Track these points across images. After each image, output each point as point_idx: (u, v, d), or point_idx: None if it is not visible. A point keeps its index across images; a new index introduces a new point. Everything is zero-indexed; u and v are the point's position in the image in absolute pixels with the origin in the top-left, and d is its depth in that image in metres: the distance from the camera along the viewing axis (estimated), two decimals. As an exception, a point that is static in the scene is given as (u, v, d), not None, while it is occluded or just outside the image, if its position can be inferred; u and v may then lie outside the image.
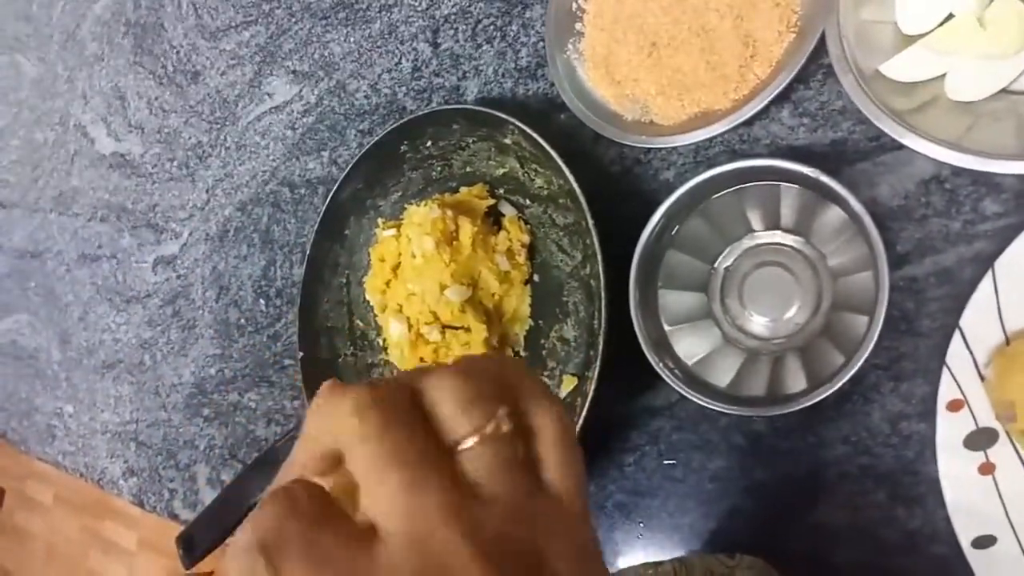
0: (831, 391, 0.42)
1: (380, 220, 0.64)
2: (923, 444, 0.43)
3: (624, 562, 0.52)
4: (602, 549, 0.22)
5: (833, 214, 0.45)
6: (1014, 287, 0.40)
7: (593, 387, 0.49)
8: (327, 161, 0.73)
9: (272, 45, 0.77)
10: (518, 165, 0.58)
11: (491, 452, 0.22)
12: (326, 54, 0.73)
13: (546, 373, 0.57)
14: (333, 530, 0.21)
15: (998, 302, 0.41)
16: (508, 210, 0.59)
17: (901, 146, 0.42)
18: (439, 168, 0.62)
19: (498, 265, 0.57)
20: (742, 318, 0.49)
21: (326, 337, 0.66)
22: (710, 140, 0.50)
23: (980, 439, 0.41)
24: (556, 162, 0.51)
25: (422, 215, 0.57)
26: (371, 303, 0.64)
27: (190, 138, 0.85)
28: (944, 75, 0.43)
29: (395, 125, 0.60)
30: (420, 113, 0.59)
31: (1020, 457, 0.40)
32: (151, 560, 2.01)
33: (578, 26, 0.56)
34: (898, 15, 0.44)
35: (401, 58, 0.68)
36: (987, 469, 0.41)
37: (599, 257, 0.49)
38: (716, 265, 0.50)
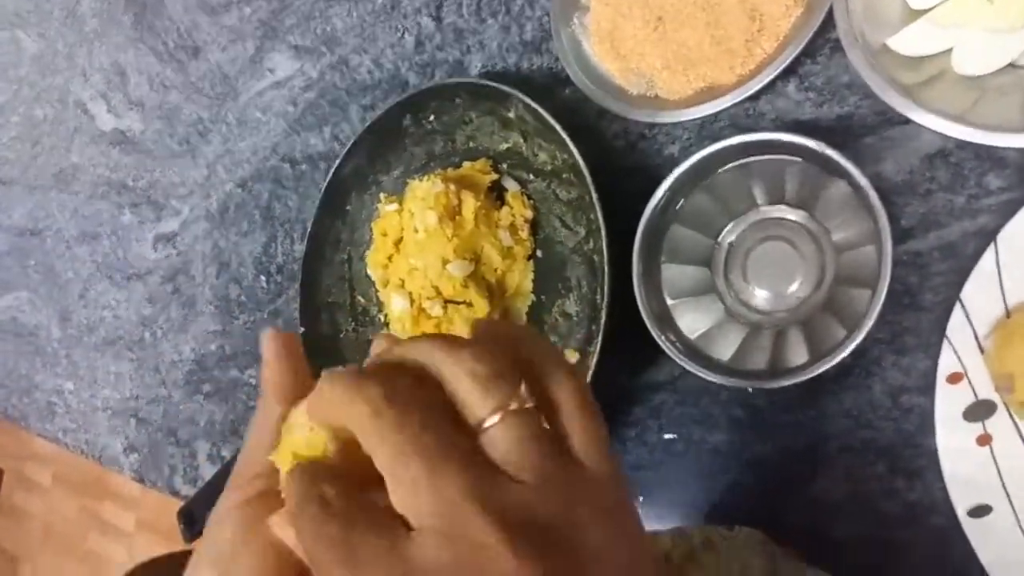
0: (832, 364, 0.42)
1: (382, 195, 0.64)
2: (923, 417, 0.43)
3: (624, 535, 0.53)
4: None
5: (838, 188, 0.45)
6: (1016, 261, 0.41)
7: (595, 362, 0.49)
8: (329, 137, 0.72)
9: (274, 20, 0.77)
10: (522, 140, 0.58)
11: (515, 429, 0.21)
12: (328, 29, 0.73)
13: (548, 348, 0.57)
14: (366, 527, 0.21)
15: (1000, 276, 0.41)
16: (511, 185, 0.59)
17: (907, 120, 0.42)
18: (442, 143, 0.62)
19: (501, 240, 0.57)
20: (745, 292, 0.49)
21: (327, 313, 0.66)
22: (715, 115, 0.50)
23: (979, 411, 0.41)
24: (560, 136, 0.51)
25: (425, 189, 0.57)
26: (373, 278, 0.64)
27: (191, 114, 0.84)
28: (951, 49, 0.43)
29: (398, 100, 0.60)
30: (423, 87, 0.59)
31: (1017, 428, 0.41)
32: (150, 540, 2.02)
33: (583, 0, 0.56)
34: (905, -11, 0.44)
35: (404, 33, 0.67)
36: (985, 440, 0.41)
37: (603, 231, 0.49)
38: (720, 239, 0.50)
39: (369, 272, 0.64)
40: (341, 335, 0.66)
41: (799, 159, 0.46)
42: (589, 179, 0.50)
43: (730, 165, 0.48)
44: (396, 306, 0.60)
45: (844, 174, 0.43)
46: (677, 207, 0.50)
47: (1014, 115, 0.41)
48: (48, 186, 1.02)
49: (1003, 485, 0.41)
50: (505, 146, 0.59)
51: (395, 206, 0.61)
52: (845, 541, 0.45)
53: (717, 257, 0.50)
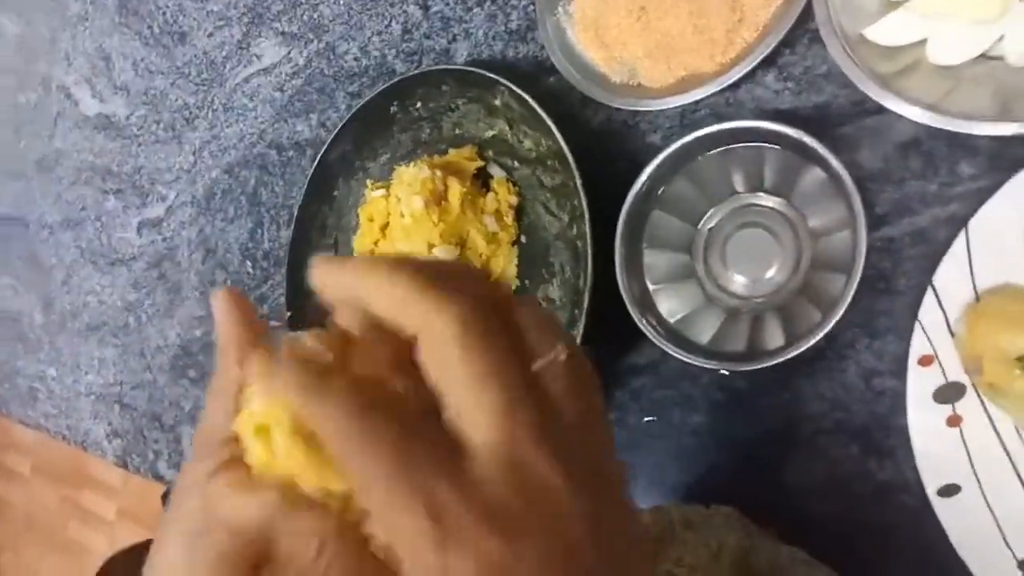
0: (807, 347, 0.43)
1: (369, 181, 0.64)
2: (895, 399, 0.45)
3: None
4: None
5: (815, 176, 0.46)
6: (986, 247, 0.42)
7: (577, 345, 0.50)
8: (315, 123, 0.73)
9: (260, 6, 0.77)
10: (507, 127, 0.59)
11: (565, 374, 0.22)
12: (315, 16, 0.73)
13: (531, 333, 0.58)
14: (425, 437, 0.21)
15: (970, 261, 0.42)
16: (497, 172, 0.60)
17: (883, 110, 0.43)
18: (428, 130, 0.63)
19: (486, 226, 0.58)
20: (724, 277, 0.50)
21: (314, 298, 0.66)
22: (696, 103, 0.51)
23: (949, 392, 0.42)
24: (546, 123, 0.52)
25: (412, 175, 0.57)
26: (359, 264, 0.64)
27: (176, 100, 0.84)
28: (926, 40, 0.44)
29: (385, 87, 0.60)
30: (410, 74, 0.59)
31: (986, 409, 0.42)
32: (131, 529, 2.01)
33: (569, -11, 0.56)
34: (883, -19, 0.45)
35: (391, 20, 0.68)
36: (954, 421, 0.42)
37: (587, 217, 0.50)
38: (700, 225, 0.51)
39: (355, 257, 0.64)
40: (328, 320, 0.66)
41: (777, 147, 0.47)
42: (573, 166, 0.50)
43: (710, 152, 0.49)
44: (381, 291, 0.60)
45: (821, 162, 0.44)
46: (659, 194, 0.50)
47: (986, 104, 0.42)
48: (31, 172, 1.01)
49: (971, 465, 0.42)
50: (491, 133, 0.60)
51: (382, 192, 0.61)
52: (819, 519, 0.46)
53: (697, 243, 0.51)
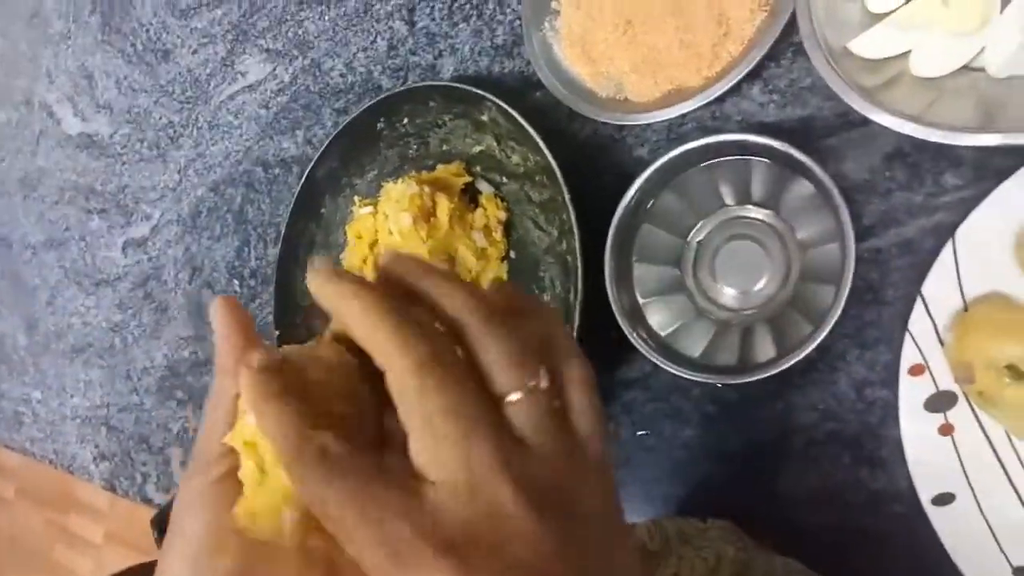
0: (798, 358, 0.43)
1: (356, 198, 0.64)
2: (887, 409, 0.45)
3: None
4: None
5: (802, 188, 0.46)
6: (973, 256, 0.42)
7: (569, 359, 0.50)
8: (302, 140, 0.72)
9: (245, 23, 0.77)
10: (495, 143, 0.59)
11: (535, 406, 0.23)
12: (300, 32, 0.73)
13: (522, 348, 0.57)
14: (383, 480, 0.21)
15: (958, 270, 0.42)
16: (485, 187, 0.60)
17: (867, 122, 0.43)
18: (416, 146, 0.63)
19: (475, 242, 0.58)
20: (713, 290, 0.50)
21: (302, 316, 0.66)
22: (683, 117, 0.51)
23: (940, 401, 0.43)
24: (533, 139, 0.52)
25: (399, 191, 0.57)
26: (347, 281, 0.64)
27: (161, 118, 0.84)
28: (909, 52, 0.44)
29: (371, 103, 0.60)
30: (396, 90, 0.59)
31: (977, 418, 0.42)
32: (118, 552, 1.99)
33: (554, 4, 0.57)
34: (865, -6, 0.46)
35: (377, 37, 0.68)
36: (946, 430, 0.42)
37: (576, 232, 0.50)
38: (689, 239, 0.51)
39: (343, 275, 0.64)
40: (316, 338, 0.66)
41: (764, 160, 0.47)
42: (561, 181, 0.50)
43: (697, 166, 0.49)
44: (371, 308, 0.60)
45: (807, 174, 0.45)
46: (647, 207, 0.51)
47: (969, 115, 0.42)
48: (13, 191, 1.00)
49: (964, 473, 0.43)
50: (478, 149, 0.60)
51: (369, 209, 0.61)
52: (814, 530, 0.46)
53: (686, 256, 0.51)
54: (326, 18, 0.71)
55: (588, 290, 0.49)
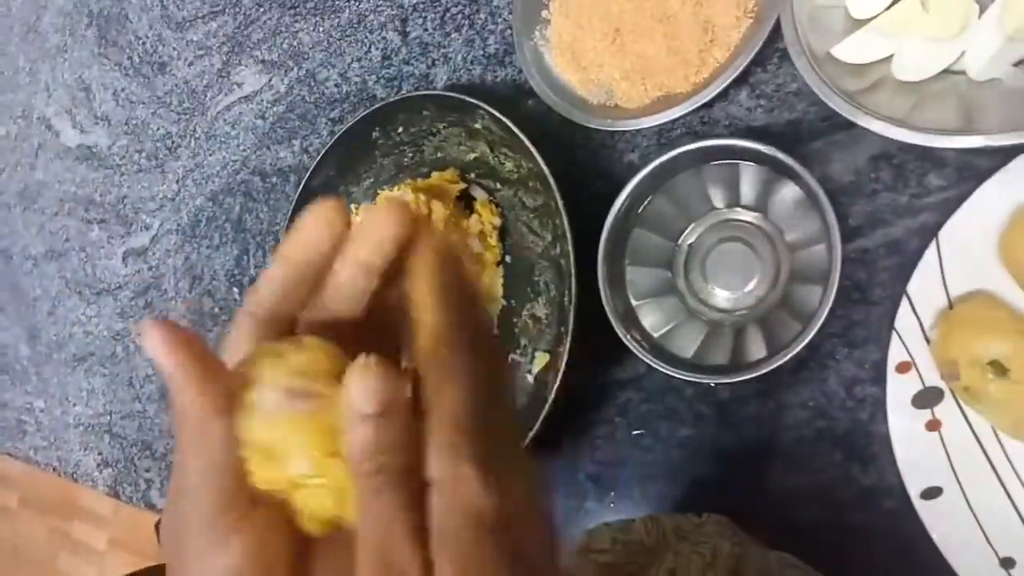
0: (788, 358, 0.44)
1: (353, 206, 0.65)
2: (875, 406, 0.46)
3: (597, 529, 0.54)
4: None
5: (789, 191, 0.47)
6: (956, 255, 0.43)
7: (564, 362, 0.51)
8: (298, 150, 0.73)
9: (240, 35, 0.78)
10: (488, 150, 0.59)
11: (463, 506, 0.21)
12: (295, 43, 0.74)
13: (519, 351, 0.58)
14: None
15: (942, 269, 0.43)
16: (479, 194, 0.61)
17: (852, 124, 0.44)
18: (410, 154, 0.64)
19: (471, 247, 0.59)
20: (705, 292, 0.51)
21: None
22: (672, 122, 0.52)
23: (927, 398, 0.44)
24: (525, 146, 0.52)
25: (395, 199, 0.58)
26: (346, 288, 0.65)
27: (158, 129, 0.85)
28: (891, 56, 0.45)
29: (366, 112, 0.61)
30: (391, 100, 0.60)
31: (963, 413, 0.43)
32: (122, 559, 1.99)
33: (544, 13, 0.58)
34: (848, 0, 0.47)
35: (370, 47, 0.69)
36: (934, 425, 0.43)
37: (568, 237, 0.51)
38: (680, 241, 0.52)
39: (342, 282, 0.65)
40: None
41: (752, 163, 0.48)
42: (554, 186, 0.51)
43: (687, 170, 0.50)
44: (369, 314, 0.61)
45: (795, 177, 0.46)
46: (639, 211, 0.51)
47: (951, 117, 0.43)
48: (13, 203, 1.01)
49: (952, 467, 0.43)
50: (472, 156, 0.61)
51: (366, 216, 0.62)
52: (806, 525, 0.47)
53: (678, 258, 0.52)
54: (320, 29, 0.72)
55: (582, 293, 0.50)
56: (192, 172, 0.81)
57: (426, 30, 0.65)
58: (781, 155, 0.45)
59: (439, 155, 0.62)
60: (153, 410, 0.82)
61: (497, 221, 0.59)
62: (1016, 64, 0.43)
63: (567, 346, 0.51)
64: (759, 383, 0.48)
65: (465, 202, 0.61)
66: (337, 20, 0.71)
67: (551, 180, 0.51)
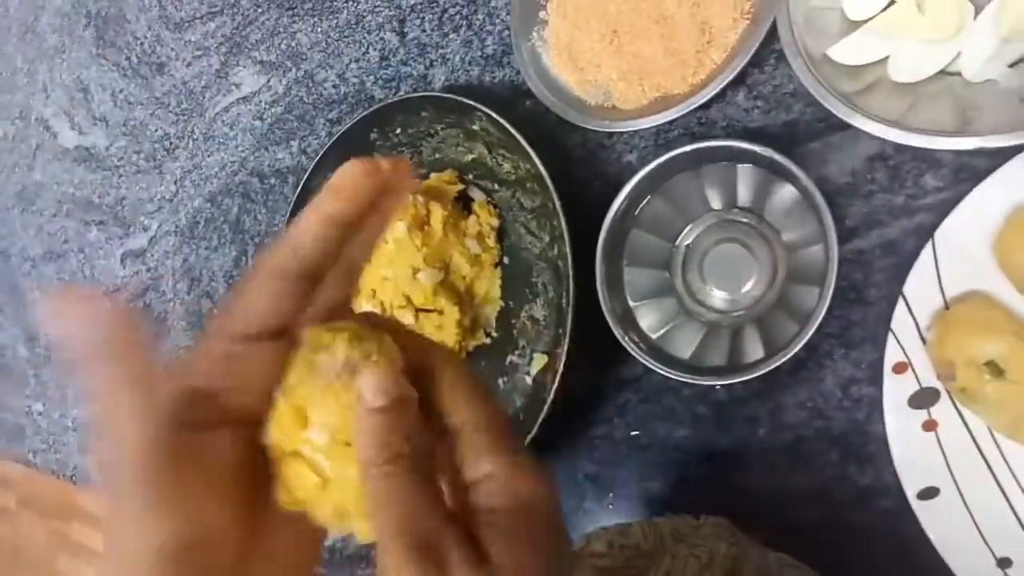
0: (786, 358, 0.44)
1: (351, 207, 0.65)
2: (872, 406, 0.46)
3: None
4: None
5: (786, 192, 0.47)
6: (952, 256, 0.43)
7: (562, 363, 0.51)
8: (296, 151, 0.73)
9: (238, 36, 0.78)
10: (486, 151, 0.60)
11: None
12: (293, 44, 0.74)
13: (517, 352, 0.58)
14: None
15: (938, 270, 0.43)
16: (477, 195, 0.61)
17: (848, 126, 0.44)
18: (408, 155, 0.64)
19: (469, 248, 0.59)
20: (702, 292, 0.51)
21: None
22: (670, 123, 0.52)
23: (923, 398, 0.44)
24: (523, 147, 0.53)
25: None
26: (344, 289, 0.65)
27: (156, 130, 0.85)
28: (887, 58, 0.45)
29: (365, 113, 0.61)
30: (389, 101, 0.60)
31: (959, 413, 0.43)
32: (122, 560, 1.99)
33: (542, 14, 0.58)
34: (844, 2, 0.47)
35: (368, 48, 0.69)
36: (930, 426, 0.44)
37: (566, 238, 0.51)
38: (677, 242, 0.52)
39: (340, 283, 0.65)
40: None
41: (750, 164, 0.48)
42: (551, 187, 0.51)
43: (685, 171, 0.50)
44: (367, 315, 0.61)
45: (791, 178, 0.46)
46: (636, 212, 0.52)
47: (947, 118, 0.43)
48: (10, 204, 1.01)
49: (948, 468, 0.44)
50: (470, 157, 0.61)
51: (364, 218, 0.62)
52: (804, 525, 0.47)
53: (675, 259, 0.52)
54: (318, 30, 0.72)
55: (579, 294, 0.50)
56: (190, 173, 0.81)
57: (424, 31, 0.65)
58: (778, 156, 0.45)
59: (437, 156, 0.63)
60: (152, 411, 0.82)
61: (495, 222, 0.59)
62: (1011, 65, 0.43)
63: (565, 347, 0.51)
64: (757, 384, 0.48)
65: (463, 203, 0.61)
66: (335, 21, 0.71)
67: (548, 181, 0.51)
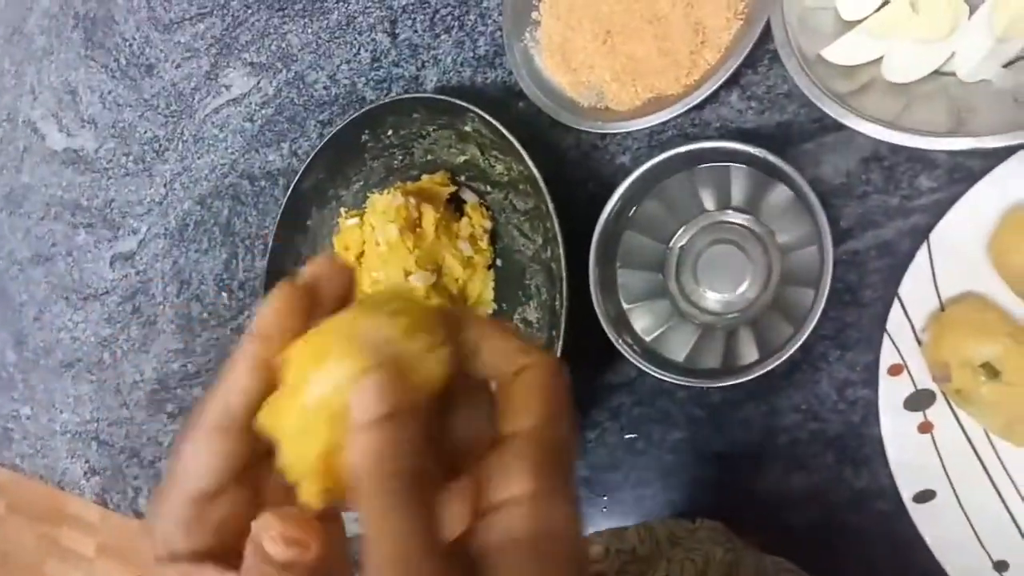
0: (780, 360, 0.44)
1: (342, 210, 0.64)
2: (867, 408, 0.46)
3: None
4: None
5: (780, 193, 0.47)
6: (948, 257, 0.43)
7: (556, 366, 0.50)
8: (287, 153, 0.73)
9: (228, 37, 0.77)
10: (478, 152, 0.59)
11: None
12: (284, 45, 0.73)
13: (510, 355, 0.58)
14: None
15: (933, 271, 0.43)
16: (470, 197, 0.60)
17: (842, 126, 0.44)
18: (400, 157, 0.63)
19: (461, 251, 0.58)
20: (696, 294, 0.51)
21: (291, 327, 0.66)
22: (663, 124, 0.52)
23: (919, 400, 0.44)
24: (516, 148, 0.52)
25: (385, 203, 0.57)
26: (336, 292, 0.64)
27: (146, 132, 0.84)
28: (881, 58, 0.45)
29: (356, 115, 0.61)
30: (380, 102, 0.60)
31: (955, 415, 0.43)
32: (110, 566, 1.97)
33: (534, 15, 0.57)
34: (838, 2, 0.47)
35: (360, 49, 0.68)
36: (926, 428, 0.43)
37: (559, 240, 0.50)
38: (671, 244, 0.52)
39: (331, 286, 0.64)
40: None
41: (743, 165, 0.48)
42: (544, 189, 0.51)
43: (678, 173, 0.50)
44: (359, 319, 0.60)
45: (786, 179, 0.45)
46: (630, 214, 0.51)
47: (941, 119, 0.43)
48: (-1, 207, 1.00)
49: (944, 470, 0.43)
50: (462, 159, 0.60)
51: (356, 220, 0.61)
52: (800, 528, 0.47)
53: (669, 261, 0.52)
54: (309, 31, 0.71)
55: (573, 297, 0.50)
56: (180, 176, 0.81)
57: (416, 32, 0.65)
58: (772, 157, 0.45)
59: (429, 158, 0.62)
60: (141, 417, 0.81)
61: (488, 224, 0.59)
62: (1006, 65, 0.43)
63: (558, 350, 0.50)
64: (751, 386, 0.48)
65: (455, 205, 0.60)
66: (326, 22, 0.70)
67: (541, 183, 0.51)
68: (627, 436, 0.53)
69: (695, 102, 0.49)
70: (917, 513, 0.43)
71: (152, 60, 0.84)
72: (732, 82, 0.50)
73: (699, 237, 0.51)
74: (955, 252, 0.43)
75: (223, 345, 0.76)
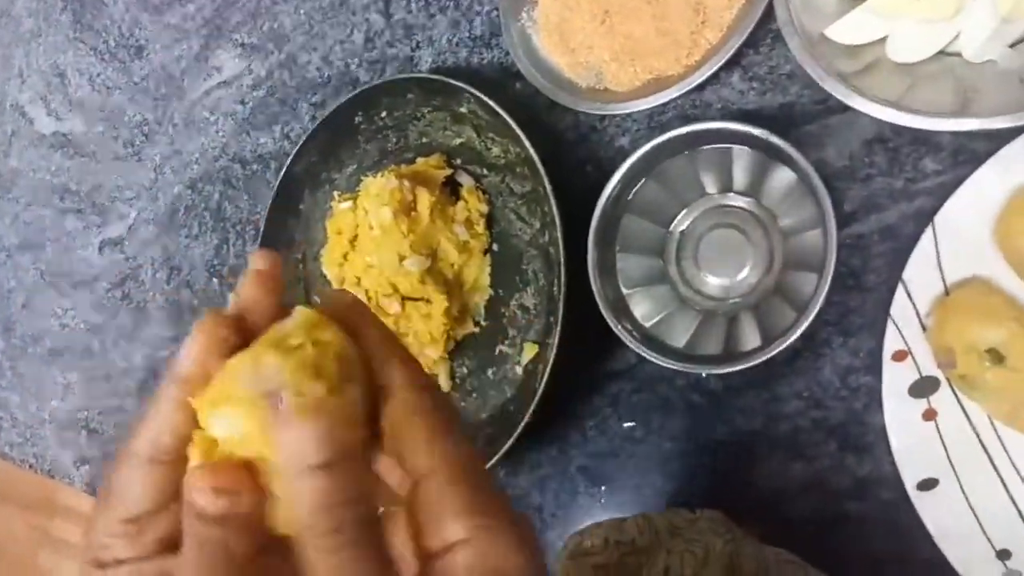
0: (783, 347, 0.43)
1: (336, 193, 0.63)
2: (871, 395, 0.45)
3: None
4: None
5: (783, 175, 0.46)
6: (953, 240, 0.42)
7: (554, 353, 0.49)
8: (279, 136, 0.71)
9: (219, 18, 0.76)
10: (474, 134, 0.58)
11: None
12: (275, 26, 0.71)
13: (507, 341, 0.57)
14: None
15: (938, 255, 0.43)
16: (466, 180, 0.59)
17: (846, 108, 0.43)
18: (395, 139, 0.62)
19: (457, 235, 0.57)
20: (697, 279, 0.50)
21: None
22: (663, 106, 0.51)
23: (923, 387, 0.43)
24: (513, 130, 0.51)
25: (379, 186, 0.56)
26: (328, 277, 0.63)
27: (135, 115, 0.82)
28: (886, 38, 0.44)
29: (349, 96, 0.59)
30: (374, 83, 0.59)
31: (960, 402, 0.42)
32: (105, 556, 1.97)
33: (531, -6, 0.56)
34: (842, -20, 0.46)
35: (353, 29, 0.67)
36: (930, 415, 0.43)
37: (557, 224, 0.49)
38: (671, 228, 0.51)
39: (324, 271, 0.63)
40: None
41: (745, 147, 0.47)
42: (542, 172, 0.50)
43: (679, 155, 0.49)
44: (353, 304, 0.59)
45: (788, 161, 0.44)
46: (629, 197, 0.50)
47: (947, 100, 0.42)
48: (-15, 193, 0.98)
49: (948, 458, 0.43)
50: (458, 141, 0.59)
51: (349, 204, 0.60)
52: (801, 517, 0.46)
53: (669, 246, 0.51)
54: (301, 11, 0.70)
55: (571, 282, 0.49)
56: (170, 159, 0.79)
57: (410, 11, 0.63)
58: (774, 139, 0.44)
59: (424, 140, 0.61)
60: (131, 405, 0.80)
61: (484, 208, 0.58)
62: (1012, 45, 0.42)
63: (556, 336, 0.49)
64: (753, 372, 0.47)
65: (451, 188, 0.59)
66: (318, 2, 0.69)
67: (539, 165, 0.50)
68: (626, 424, 0.52)
69: (696, 83, 0.48)
70: (920, 501, 0.42)
71: (141, 42, 0.82)
72: (733, 62, 0.49)
73: (700, 221, 0.50)
74: (960, 235, 0.42)
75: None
